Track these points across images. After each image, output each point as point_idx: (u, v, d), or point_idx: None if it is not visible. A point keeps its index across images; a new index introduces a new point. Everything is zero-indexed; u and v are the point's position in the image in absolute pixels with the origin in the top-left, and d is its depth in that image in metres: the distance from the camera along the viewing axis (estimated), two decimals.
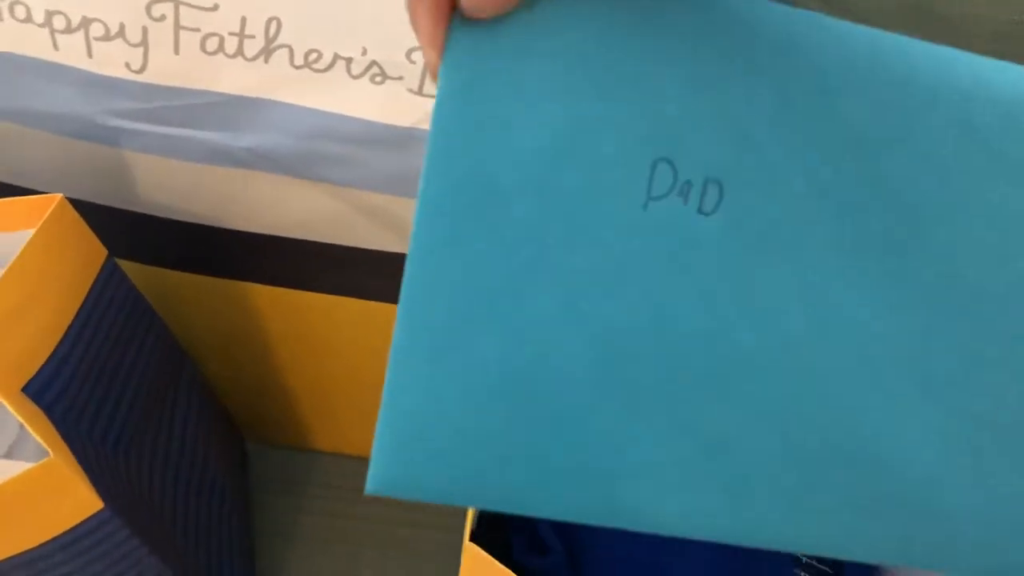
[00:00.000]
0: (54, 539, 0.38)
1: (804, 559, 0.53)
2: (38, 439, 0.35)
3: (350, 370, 0.57)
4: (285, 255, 0.48)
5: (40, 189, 0.47)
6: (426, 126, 0.40)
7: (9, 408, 0.36)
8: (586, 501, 0.22)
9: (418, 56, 0.37)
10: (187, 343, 0.53)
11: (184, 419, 0.53)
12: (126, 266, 0.46)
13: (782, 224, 0.23)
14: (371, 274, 0.49)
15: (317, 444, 0.66)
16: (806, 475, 0.24)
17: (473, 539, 0.50)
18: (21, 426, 0.43)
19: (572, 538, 0.51)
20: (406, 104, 0.39)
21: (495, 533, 0.52)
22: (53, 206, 0.38)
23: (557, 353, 0.22)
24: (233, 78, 0.39)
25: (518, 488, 0.22)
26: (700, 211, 0.23)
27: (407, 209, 0.44)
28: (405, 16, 0.37)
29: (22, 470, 0.35)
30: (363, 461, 0.65)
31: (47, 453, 0.36)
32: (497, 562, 0.33)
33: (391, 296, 0.50)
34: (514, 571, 0.51)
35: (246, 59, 0.38)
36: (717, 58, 0.22)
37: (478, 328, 0.22)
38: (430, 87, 0.38)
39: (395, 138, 0.40)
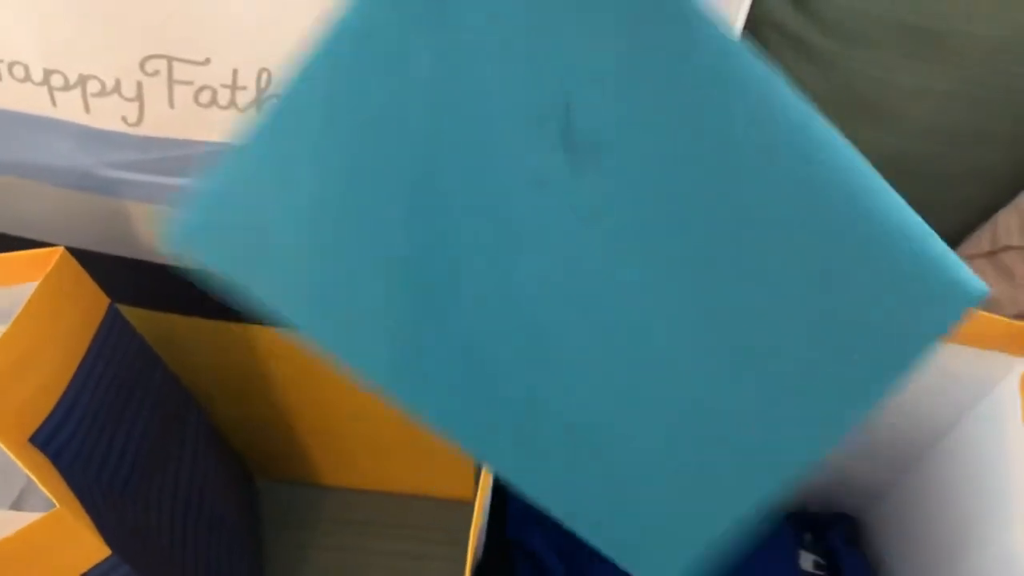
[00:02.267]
0: None
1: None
2: (44, 490, 0.36)
3: (355, 406, 0.58)
4: None
5: (41, 239, 0.48)
6: None
7: (16, 460, 0.36)
8: (348, 344, 0.27)
9: None
10: (192, 385, 0.54)
11: (192, 460, 0.53)
12: (128, 312, 0.47)
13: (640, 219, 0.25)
14: None
15: (325, 479, 0.67)
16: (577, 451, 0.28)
17: (479, 568, 0.50)
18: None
19: (573, 563, 0.51)
20: None
21: (501, 559, 0.52)
22: (55, 259, 0.39)
23: (373, 226, 0.25)
24: (227, 128, 0.40)
25: (297, 300, 0.26)
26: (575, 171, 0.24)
27: None
28: None
29: (30, 521, 0.36)
30: (372, 495, 0.66)
31: (54, 503, 0.36)
32: None
33: None
34: None
35: (239, 109, 0.39)
36: (648, 49, 0.23)
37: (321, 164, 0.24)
38: None
39: None
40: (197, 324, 0.52)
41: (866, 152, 0.79)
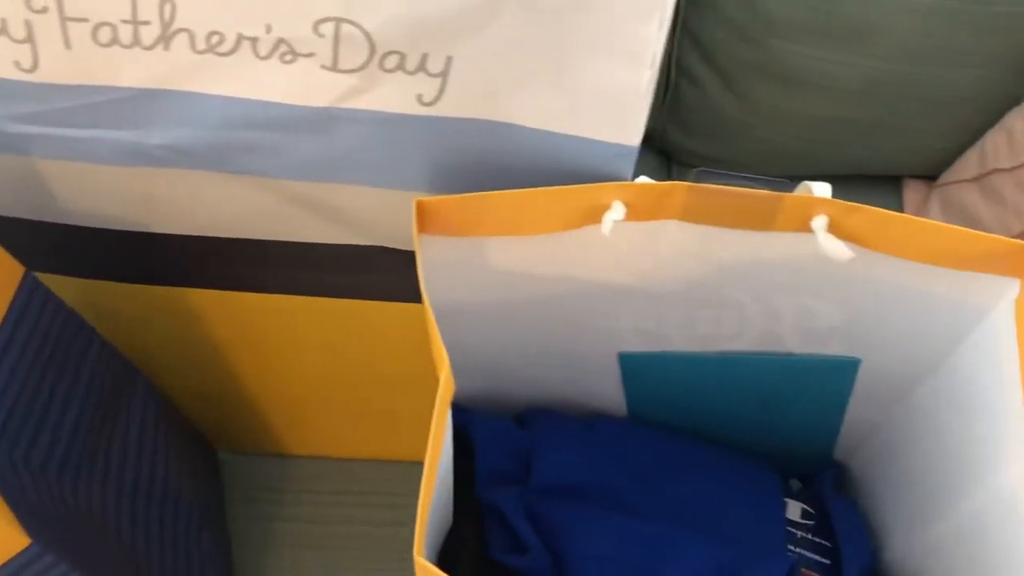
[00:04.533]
0: None
1: (799, 534, 0.50)
2: None
3: (310, 369, 0.55)
4: (221, 256, 0.45)
5: None
6: (344, 104, 0.37)
7: None
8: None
9: (327, 28, 0.34)
10: (136, 356, 0.51)
11: (140, 435, 0.50)
12: (56, 281, 0.44)
13: None
14: (313, 269, 0.46)
15: (290, 448, 0.64)
16: None
17: (450, 534, 0.48)
18: None
19: (551, 537, 0.48)
20: (320, 82, 0.36)
21: (473, 528, 0.49)
22: None
23: None
24: (133, 70, 0.36)
25: None
26: None
27: (338, 195, 0.41)
28: None
29: None
30: (338, 463, 0.63)
31: None
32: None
33: (340, 291, 0.48)
34: (495, 570, 0.48)
35: (144, 48, 0.35)
36: None
37: None
38: (345, 61, 0.35)
39: (312, 120, 0.37)
40: (131, 290, 0.49)
41: (850, 76, 0.74)
